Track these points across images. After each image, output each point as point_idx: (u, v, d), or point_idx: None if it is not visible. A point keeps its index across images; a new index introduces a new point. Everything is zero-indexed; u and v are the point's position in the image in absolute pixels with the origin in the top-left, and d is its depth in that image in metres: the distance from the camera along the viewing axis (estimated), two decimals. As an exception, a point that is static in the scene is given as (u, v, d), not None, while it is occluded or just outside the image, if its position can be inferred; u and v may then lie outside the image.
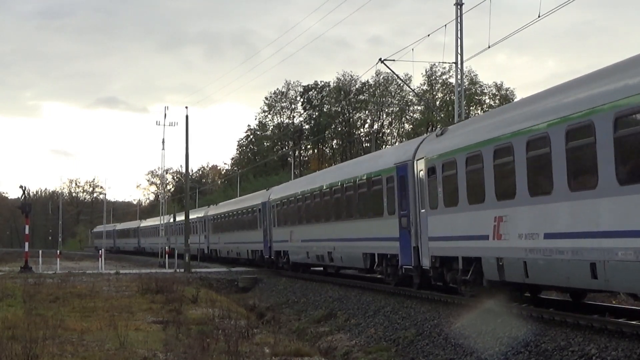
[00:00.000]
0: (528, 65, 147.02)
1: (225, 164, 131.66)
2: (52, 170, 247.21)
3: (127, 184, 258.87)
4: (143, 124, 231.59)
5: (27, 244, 49.15)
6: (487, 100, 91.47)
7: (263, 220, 41.21)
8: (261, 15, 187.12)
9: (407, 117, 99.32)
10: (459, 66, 35.31)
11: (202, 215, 60.62)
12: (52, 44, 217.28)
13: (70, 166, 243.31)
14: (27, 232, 50.20)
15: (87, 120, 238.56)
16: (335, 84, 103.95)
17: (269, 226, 39.92)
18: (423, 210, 21.00)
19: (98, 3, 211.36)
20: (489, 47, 32.35)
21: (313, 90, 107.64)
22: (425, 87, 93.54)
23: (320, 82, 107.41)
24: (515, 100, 79.44)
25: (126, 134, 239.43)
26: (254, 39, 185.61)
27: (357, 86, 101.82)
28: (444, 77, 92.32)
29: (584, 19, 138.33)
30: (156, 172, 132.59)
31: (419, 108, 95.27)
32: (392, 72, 41.67)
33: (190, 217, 60.58)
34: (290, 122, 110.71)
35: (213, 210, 58.60)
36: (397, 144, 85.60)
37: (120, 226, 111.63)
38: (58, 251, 60.85)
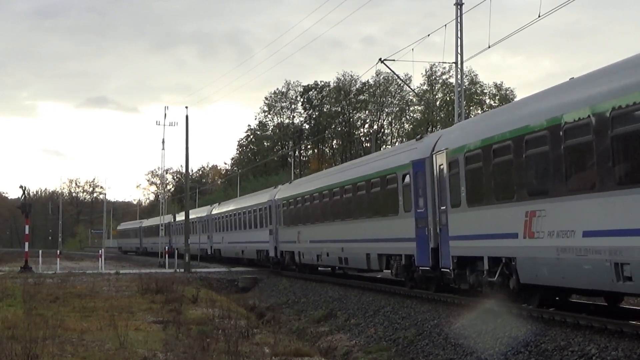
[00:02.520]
0: (522, 65, 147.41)
1: (225, 164, 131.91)
2: (50, 171, 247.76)
3: (127, 184, 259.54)
4: (140, 124, 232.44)
5: (27, 244, 49.13)
6: (487, 100, 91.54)
7: (414, 199, 21.80)
8: (253, 15, 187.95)
9: (407, 117, 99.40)
10: (459, 66, 35.32)
11: (265, 200, 41.90)
12: (45, 44, 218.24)
13: (69, 166, 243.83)
14: (27, 232, 50.20)
15: (84, 121, 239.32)
16: (335, 84, 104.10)
17: (433, 208, 20.67)
18: None
19: (90, 3, 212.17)
20: (489, 47, 32.43)
21: (313, 90, 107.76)
22: (425, 87, 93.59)
23: (320, 82, 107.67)
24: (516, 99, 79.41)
25: (124, 134, 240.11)
26: (247, 38, 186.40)
27: (357, 86, 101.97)
28: (444, 77, 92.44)
29: (574, 19, 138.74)
30: (156, 172, 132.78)
31: (419, 108, 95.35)
32: (392, 72, 41.77)
33: (244, 204, 48.10)
34: (290, 122, 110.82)
35: (286, 191, 39.16)
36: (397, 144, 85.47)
37: (147, 223, 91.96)
38: (58, 251, 60.78)
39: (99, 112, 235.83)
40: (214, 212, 56.46)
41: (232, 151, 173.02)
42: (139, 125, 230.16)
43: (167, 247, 70.33)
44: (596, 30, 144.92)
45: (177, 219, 68.87)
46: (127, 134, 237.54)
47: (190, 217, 58.30)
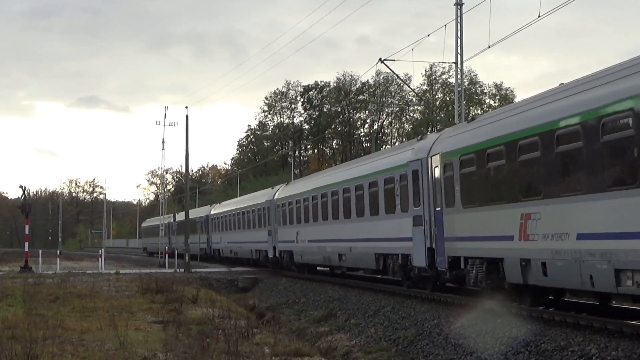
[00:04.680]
0: (518, 65, 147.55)
1: (225, 164, 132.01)
2: (49, 171, 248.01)
3: (127, 184, 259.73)
4: (138, 124, 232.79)
5: (27, 244, 49.12)
6: (487, 100, 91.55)
7: None
8: (248, 15, 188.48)
9: (407, 117, 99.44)
10: (459, 66, 35.31)
11: (393, 165, 23.98)
12: (42, 44, 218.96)
13: (68, 166, 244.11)
14: (27, 232, 50.20)
15: (82, 120, 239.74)
16: (335, 84, 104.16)
17: None
18: None
19: (85, 3, 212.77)
20: (489, 47, 32.53)
21: (313, 90, 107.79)
22: (425, 87, 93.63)
23: (320, 82, 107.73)
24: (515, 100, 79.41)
25: (123, 134, 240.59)
26: (242, 38, 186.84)
27: (357, 86, 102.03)
28: (443, 77, 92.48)
29: (569, 18, 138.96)
30: (156, 172, 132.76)
31: (419, 108, 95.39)
32: (392, 72, 41.72)
33: (347, 176, 28.44)
34: (290, 122, 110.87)
35: (460, 139, 19.62)
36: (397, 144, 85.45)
37: (178, 218, 70.08)
38: (58, 251, 60.76)
39: (96, 112, 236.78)
40: (280, 196, 38.55)
41: (231, 151, 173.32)
42: (138, 125, 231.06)
43: (205, 248, 56.87)
44: (592, 30, 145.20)
45: (220, 210, 53.99)
46: (125, 134, 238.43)
47: (239, 205, 47.37)
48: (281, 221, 37.30)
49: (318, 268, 35.31)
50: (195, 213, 63.55)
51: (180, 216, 60.61)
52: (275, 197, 39.03)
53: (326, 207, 30.18)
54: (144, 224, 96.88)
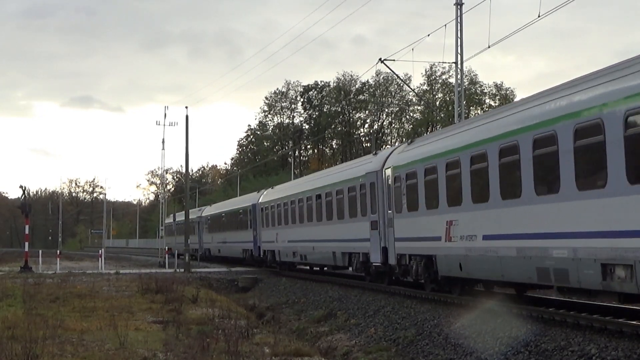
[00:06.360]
0: (514, 65, 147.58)
1: (225, 164, 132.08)
2: (48, 171, 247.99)
3: (127, 184, 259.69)
4: (136, 124, 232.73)
5: (27, 244, 49.11)
6: (487, 100, 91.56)
7: None
8: (244, 15, 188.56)
9: (407, 117, 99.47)
10: (459, 66, 35.31)
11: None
12: (38, 44, 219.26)
13: (67, 166, 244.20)
14: (27, 232, 50.20)
15: (80, 120, 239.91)
16: (335, 84, 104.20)
17: None
18: None
19: (80, 3, 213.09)
20: (489, 47, 32.59)
21: (313, 90, 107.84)
22: (425, 87, 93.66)
23: (321, 82, 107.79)
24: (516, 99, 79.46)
25: (122, 134, 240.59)
26: (238, 39, 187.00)
27: (357, 86, 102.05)
28: (443, 77, 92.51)
29: (565, 18, 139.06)
30: (156, 172, 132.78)
31: (419, 108, 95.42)
32: (392, 72, 41.74)
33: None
34: (290, 122, 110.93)
35: None
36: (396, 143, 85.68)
37: (212, 210, 58.36)
38: (58, 251, 60.73)
39: (91, 112, 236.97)
40: (397, 163, 23.13)
41: (230, 151, 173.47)
42: (134, 125, 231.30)
43: (251, 250, 43.60)
44: (587, 30, 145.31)
45: (275, 196, 39.60)
46: (123, 134, 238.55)
47: (308, 187, 33.92)
48: (404, 205, 22.24)
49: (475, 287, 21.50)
50: (234, 204, 50.95)
51: (225, 205, 49.35)
52: (387, 167, 23.89)
53: (533, 169, 15.26)
54: (166, 221, 71.46)
